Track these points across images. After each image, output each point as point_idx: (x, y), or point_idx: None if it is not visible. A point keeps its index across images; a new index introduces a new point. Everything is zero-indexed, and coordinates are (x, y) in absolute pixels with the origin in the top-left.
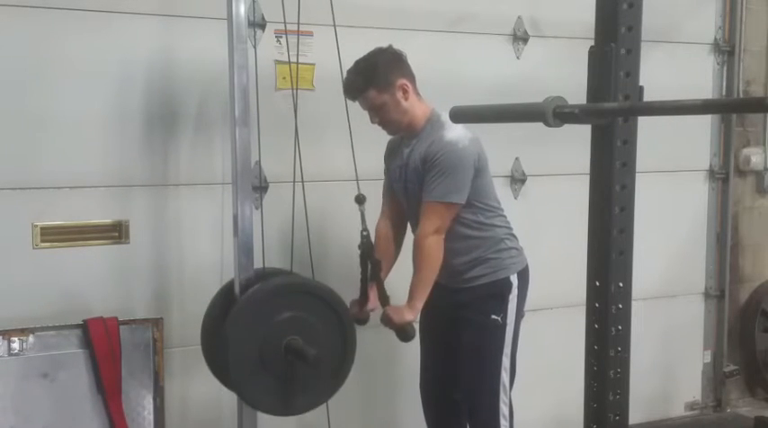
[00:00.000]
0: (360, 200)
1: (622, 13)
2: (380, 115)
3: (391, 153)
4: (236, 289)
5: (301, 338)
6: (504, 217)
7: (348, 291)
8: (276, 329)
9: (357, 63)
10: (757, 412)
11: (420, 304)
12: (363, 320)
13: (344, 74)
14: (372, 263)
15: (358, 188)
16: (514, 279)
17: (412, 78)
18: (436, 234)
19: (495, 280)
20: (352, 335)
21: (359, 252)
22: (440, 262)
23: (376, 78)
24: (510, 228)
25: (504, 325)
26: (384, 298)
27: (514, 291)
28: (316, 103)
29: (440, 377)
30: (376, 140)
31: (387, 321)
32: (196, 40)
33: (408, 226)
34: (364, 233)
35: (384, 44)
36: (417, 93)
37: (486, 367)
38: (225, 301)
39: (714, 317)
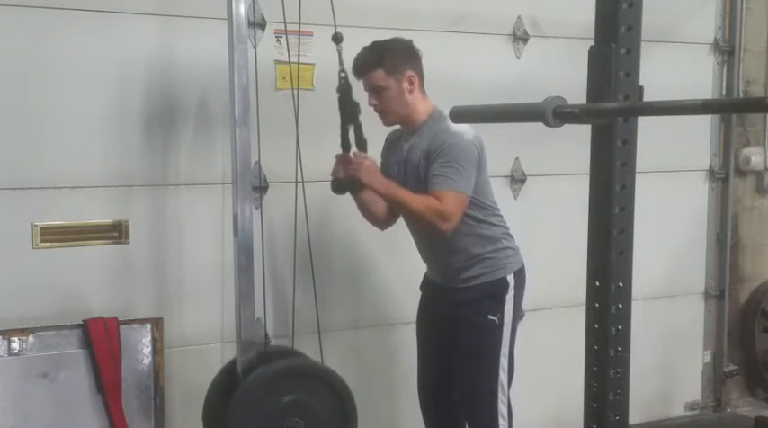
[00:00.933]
0: (337, 38)
1: (622, 13)
2: (381, 99)
3: (389, 148)
4: (239, 367)
5: (304, 421)
6: (501, 216)
7: (349, 290)
8: (279, 412)
9: (373, 43)
10: (757, 412)
11: (382, 187)
12: (351, 180)
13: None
14: (350, 104)
15: (336, 32)
16: (511, 279)
17: (421, 75)
18: (456, 217)
19: (491, 280)
20: (353, 417)
21: (338, 95)
22: (435, 222)
23: (387, 60)
24: (506, 228)
25: (501, 325)
26: (361, 142)
27: (511, 291)
28: (316, 103)
29: (438, 377)
30: (376, 140)
31: (344, 162)
32: (196, 39)
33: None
34: (342, 74)
35: (399, 36)
36: (423, 91)
37: (484, 367)
38: (227, 381)
39: (714, 317)
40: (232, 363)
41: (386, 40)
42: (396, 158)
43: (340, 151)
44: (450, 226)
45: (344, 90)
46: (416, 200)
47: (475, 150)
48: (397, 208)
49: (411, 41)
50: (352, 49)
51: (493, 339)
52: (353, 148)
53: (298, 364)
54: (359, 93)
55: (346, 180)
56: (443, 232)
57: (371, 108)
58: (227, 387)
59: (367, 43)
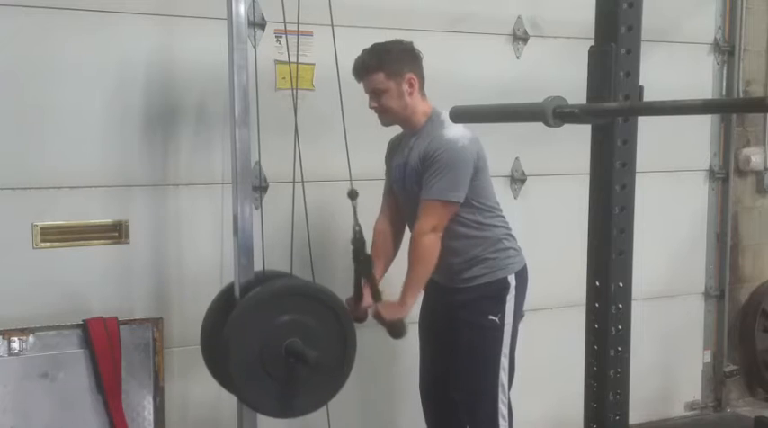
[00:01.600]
0: (352, 195)
1: (622, 13)
2: (380, 101)
3: (392, 152)
4: (237, 291)
5: (302, 340)
6: (503, 217)
7: (349, 291)
8: (276, 332)
9: (374, 45)
10: (757, 412)
11: (412, 301)
12: (359, 318)
13: (343, 75)
14: (364, 258)
15: (351, 183)
16: (512, 279)
17: (421, 77)
18: (433, 232)
19: (493, 281)
20: (352, 337)
21: (352, 248)
22: (435, 260)
23: (387, 63)
24: (508, 228)
25: (501, 325)
26: (376, 295)
27: (512, 292)
28: (316, 103)
29: (439, 377)
30: (375, 140)
31: (378, 318)
32: (196, 39)
33: (407, 226)
34: (357, 228)
35: (400, 38)
36: (422, 94)
37: (485, 367)
38: (225, 304)
39: (714, 317)
40: (230, 286)
41: (386, 43)
42: (397, 161)
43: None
44: (438, 235)
45: (358, 244)
46: (421, 269)
47: (468, 156)
48: (426, 277)
49: (411, 43)
50: (352, 49)
51: (494, 339)
52: (368, 299)
53: (294, 284)
54: (359, 95)
55: (392, 326)
56: (439, 239)
57: (372, 110)
58: (225, 309)
59: (367, 43)
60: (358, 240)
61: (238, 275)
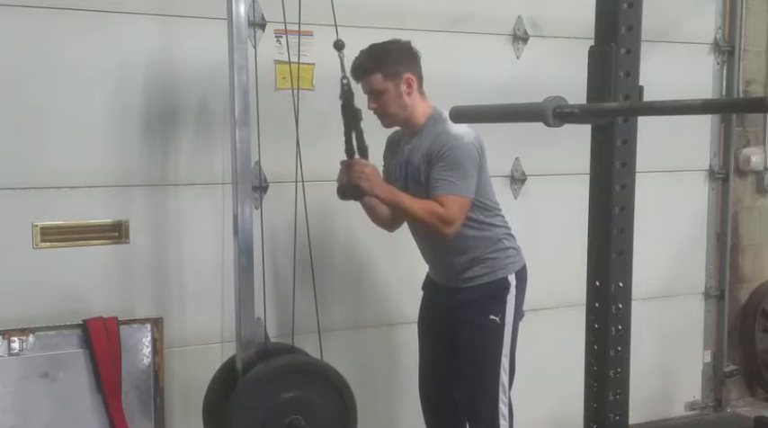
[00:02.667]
0: (339, 46)
1: (622, 13)
2: (379, 102)
3: (390, 150)
4: (239, 364)
5: (303, 418)
6: (502, 216)
7: (349, 290)
8: (278, 409)
9: (371, 46)
10: (757, 412)
11: (384, 194)
12: (354, 187)
13: (343, 75)
14: (353, 111)
15: (338, 38)
16: (512, 279)
17: (419, 77)
18: (458, 221)
19: (493, 280)
20: (353, 414)
21: (340, 102)
22: (435, 228)
23: (385, 64)
24: (508, 228)
25: (502, 325)
26: (363, 149)
27: (512, 291)
28: (316, 103)
29: (439, 377)
30: (375, 140)
31: (348, 168)
32: (196, 40)
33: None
34: (344, 81)
35: (398, 38)
36: (422, 93)
37: (485, 367)
38: (227, 377)
39: (714, 317)
40: (232, 360)
41: (384, 43)
42: (397, 160)
43: (344, 156)
44: (453, 230)
45: (347, 96)
46: (419, 206)
47: (475, 152)
48: (401, 214)
49: (409, 42)
50: (352, 49)
51: (494, 339)
52: (356, 155)
53: (296, 361)
54: (359, 96)
55: (348, 187)
56: (446, 236)
57: (371, 111)
58: (226, 384)
59: (367, 43)
60: (346, 92)
61: (238, 277)
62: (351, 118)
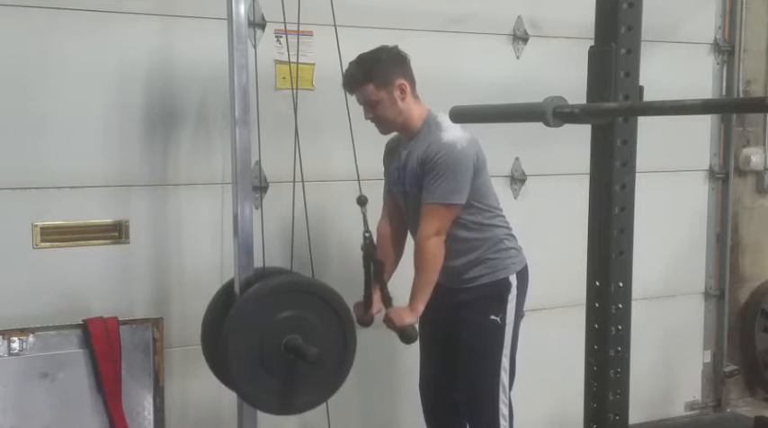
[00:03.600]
0: (362, 201)
1: (622, 13)
2: (375, 112)
3: (389, 154)
4: (236, 287)
5: (301, 337)
6: (503, 217)
7: (349, 291)
8: (276, 328)
9: (360, 57)
10: (757, 412)
11: (421, 306)
12: (368, 323)
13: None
14: (375, 264)
15: (360, 189)
16: (513, 279)
17: (412, 81)
18: (437, 235)
19: (494, 281)
20: (352, 334)
21: (362, 253)
22: (440, 263)
23: (376, 74)
24: (509, 228)
25: (503, 325)
26: (387, 300)
27: (513, 292)
28: (316, 103)
29: (439, 377)
30: (376, 140)
31: (388, 323)
32: (196, 40)
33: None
34: (366, 234)
35: (384, 44)
36: (415, 96)
37: (486, 367)
38: (225, 300)
39: (714, 317)
40: (230, 283)
41: (372, 52)
42: (395, 165)
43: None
44: (441, 238)
45: (369, 249)
46: (428, 273)
47: (467, 159)
48: (432, 282)
49: (397, 47)
50: (352, 49)
51: (495, 339)
52: (377, 305)
53: (294, 280)
54: (358, 110)
55: (403, 331)
56: (443, 242)
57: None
58: (224, 305)
59: (367, 44)
60: (368, 245)
61: (238, 273)
62: (374, 270)
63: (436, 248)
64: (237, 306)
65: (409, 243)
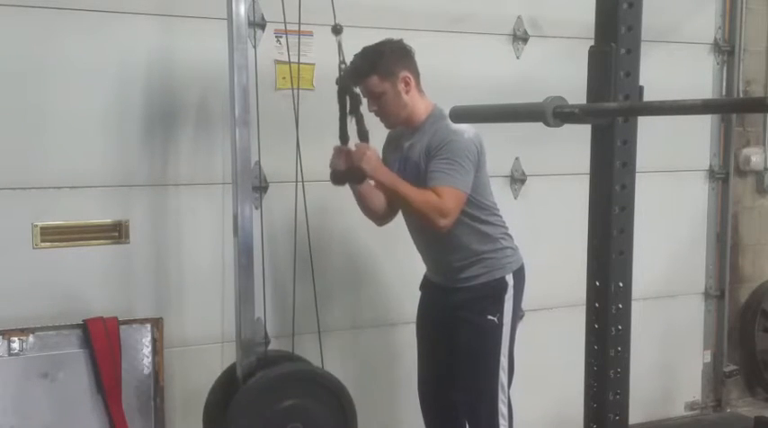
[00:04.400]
0: (337, 30)
1: (622, 13)
2: (379, 104)
3: (390, 145)
4: (239, 372)
5: (303, 425)
6: (500, 216)
7: (348, 291)
8: (278, 417)
9: (365, 49)
10: (757, 412)
11: (385, 178)
12: (353, 171)
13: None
14: (351, 96)
15: (336, 24)
16: (510, 278)
17: (416, 74)
18: (454, 214)
19: (491, 280)
20: (353, 421)
21: (336, 87)
22: (433, 215)
23: (380, 66)
24: (505, 228)
25: (500, 324)
26: (363, 134)
27: (510, 291)
28: (316, 103)
29: (438, 377)
30: (376, 140)
31: (347, 155)
32: (196, 39)
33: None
34: (342, 65)
35: (389, 38)
36: (420, 90)
37: (484, 367)
38: (227, 384)
39: (714, 317)
40: (232, 367)
41: (376, 45)
42: (396, 156)
43: (338, 143)
44: (448, 222)
45: (345, 81)
46: (417, 194)
47: (474, 148)
48: (397, 201)
49: (401, 41)
50: (352, 49)
51: (493, 339)
52: (355, 140)
53: (297, 369)
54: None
55: (348, 171)
56: (441, 228)
57: (373, 113)
58: (227, 391)
59: (367, 43)
60: (344, 78)
61: (238, 277)
62: (350, 102)
63: (453, 212)
64: (240, 396)
65: (407, 242)
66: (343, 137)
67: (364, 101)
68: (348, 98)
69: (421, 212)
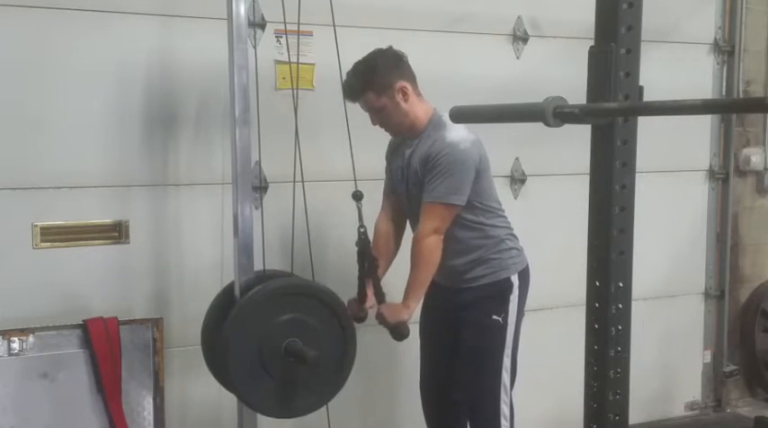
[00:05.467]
0: (357, 196)
1: (622, 13)
2: (380, 117)
3: (393, 152)
4: (237, 290)
5: (301, 340)
6: (505, 217)
7: (348, 291)
8: (276, 331)
9: (356, 65)
10: (757, 412)
11: (415, 304)
12: (361, 318)
13: (344, 75)
14: (369, 260)
15: (355, 184)
16: (515, 279)
17: (412, 79)
18: (435, 234)
19: (496, 281)
20: (352, 337)
21: (356, 249)
22: (437, 262)
23: (375, 81)
24: (511, 229)
25: (504, 325)
26: (380, 296)
27: (515, 292)
28: (316, 103)
29: (440, 377)
30: (376, 140)
31: (381, 319)
32: (196, 40)
33: (408, 225)
34: (361, 229)
35: (384, 44)
36: (418, 94)
37: (487, 367)
38: (225, 303)
39: (714, 317)
40: (230, 286)
41: (367, 59)
42: (398, 164)
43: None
44: (441, 237)
45: (363, 245)
46: (424, 271)
47: (469, 159)
48: (426, 282)
49: (391, 47)
50: (352, 49)
51: (496, 339)
52: (371, 300)
53: (294, 283)
54: (358, 110)
55: (395, 328)
56: (442, 241)
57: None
58: (225, 308)
59: (367, 44)
60: (362, 241)
61: (238, 274)
62: (367, 266)
63: (433, 246)
64: (237, 309)
65: (406, 240)
66: (361, 296)
67: (363, 115)
68: (366, 261)
69: (435, 262)
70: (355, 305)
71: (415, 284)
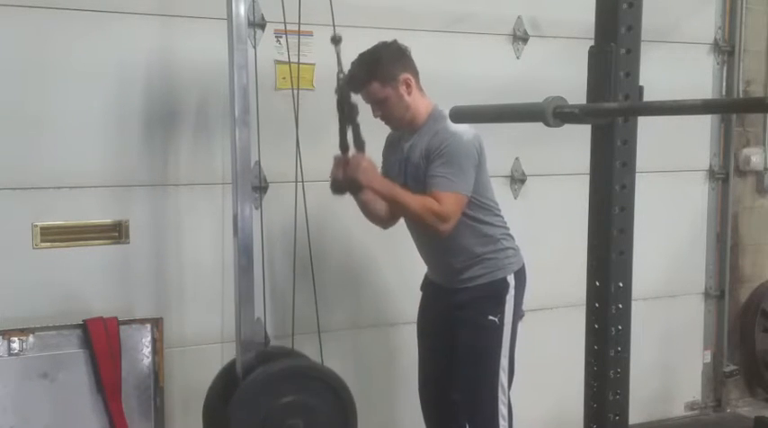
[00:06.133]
0: (336, 40)
1: (622, 13)
2: (383, 109)
3: (390, 147)
4: (239, 369)
5: (303, 422)
6: (501, 216)
7: (348, 290)
8: (278, 413)
9: (361, 56)
10: (757, 412)
11: (379, 188)
12: (350, 181)
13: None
14: (348, 105)
15: (334, 30)
16: (511, 279)
17: (415, 73)
18: (454, 218)
19: (492, 281)
20: (353, 417)
21: (336, 96)
22: (433, 226)
23: (379, 72)
24: (507, 228)
25: (501, 325)
26: (359, 143)
27: (512, 292)
28: (316, 103)
29: (438, 378)
30: (376, 140)
31: (343, 161)
32: (196, 39)
33: (403, 222)
34: (340, 75)
35: (382, 41)
36: (420, 89)
37: (485, 367)
38: (227, 381)
39: (714, 317)
40: (232, 364)
41: (372, 50)
42: (396, 158)
43: (338, 152)
44: (449, 227)
45: (343, 91)
46: (415, 202)
47: (474, 150)
48: (396, 208)
49: (396, 41)
50: (352, 49)
51: (493, 339)
52: (352, 149)
53: (297, 365)
54: (359, 95)
55: (345, 181)
56: (441, 233)
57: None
58: (226, 387)
59: (367, 43)
60: (342, 87)
61: (238, 277)
62: (347, 112)
63: (447, 225)
64: (240, 391)
65: (404, 239)
66: (343, 146)
67: (364, 108)
68: (345, 107)
69: (421, 219)
70: (340, 164)
71: (398, 191)
